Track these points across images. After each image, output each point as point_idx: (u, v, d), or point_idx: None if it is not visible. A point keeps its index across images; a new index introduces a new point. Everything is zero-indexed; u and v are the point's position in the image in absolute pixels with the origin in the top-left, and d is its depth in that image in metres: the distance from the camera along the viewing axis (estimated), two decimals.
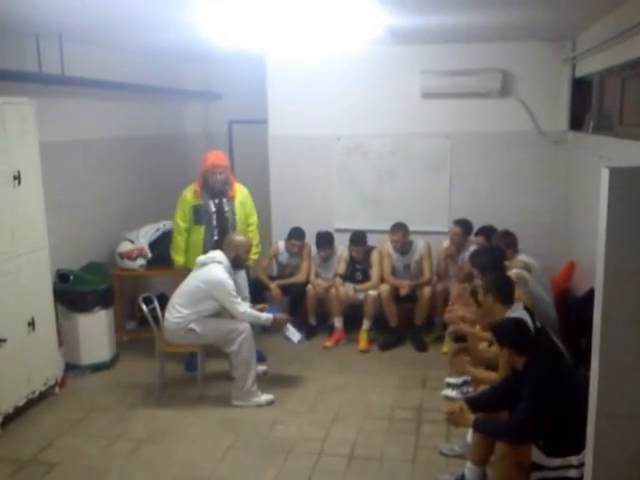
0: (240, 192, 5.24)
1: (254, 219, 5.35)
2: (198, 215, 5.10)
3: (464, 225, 5.60)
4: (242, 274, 5.07)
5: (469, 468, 3.42)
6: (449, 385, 4.71)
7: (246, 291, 5.14)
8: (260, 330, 4.97)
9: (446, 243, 5.70)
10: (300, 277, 5.93)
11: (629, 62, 3.98)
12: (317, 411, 4.47)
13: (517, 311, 3.62)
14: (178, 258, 5.22)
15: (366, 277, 5.81)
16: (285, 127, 6.20)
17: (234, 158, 7.64)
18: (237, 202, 5.19)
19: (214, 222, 5.10)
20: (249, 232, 5.19)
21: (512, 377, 3.28)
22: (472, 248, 5.28)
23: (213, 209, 5.12)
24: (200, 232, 5.11)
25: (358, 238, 5.79)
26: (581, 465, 2.91)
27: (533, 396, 3.02)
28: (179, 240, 5.21)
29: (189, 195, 5.13)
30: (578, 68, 5.52)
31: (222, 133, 7.64)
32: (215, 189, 5.11)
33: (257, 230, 5.37)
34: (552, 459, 3.00)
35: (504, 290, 3.73)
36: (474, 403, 3.34)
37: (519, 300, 3.87)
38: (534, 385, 3.03)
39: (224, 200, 5.14)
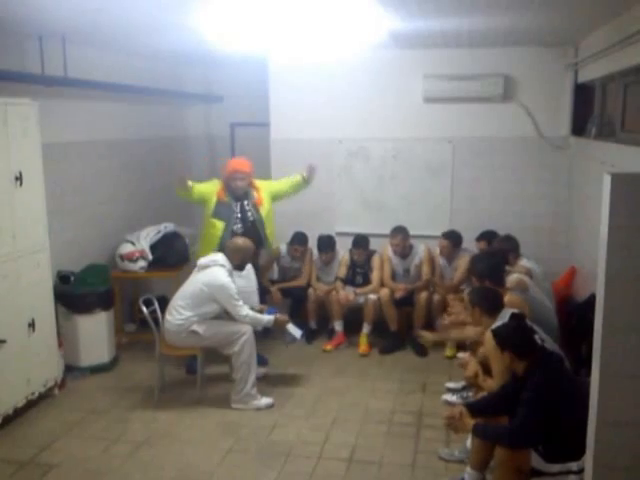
0: (262, 196, 5.28)
1: (287, 178, 5.50)
2: (220, 209, 5.10)
3: (452, 238, 5.61)
4: (251, 275, 5.09)
5: (469, 473, 3.41)
6: (449, 390, 4.71)
7: (254, 294, 5.14)
8: (262, 334, 4.96)
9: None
10: (301, 281, 5.93)
11: (631, 68, 3.99)
12: (316, 415, 4.46)
13: (505, 318, 3.63)
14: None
15: (367, 281, 5.81)
16: (287, 130, 6.21)
17: None
18: (263, 210, 5.25)
19: (237, 222, 5.12)
20: (292, 180, 5.45)
21: (512, 382, 3.27)
22: (464, 257, 5.41)
23: (237, 210, 5.15)
24: (219, 228, 5.09)
25: (361, 241, 5.79)
26: (581, 471, 2.90)
27: (533, 401, 3.01)
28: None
29: (213, 187, 5.16)
30: (580, 74, 5.53)
31: (224, 136, 7.65)
32: (237, 194, 5.16)
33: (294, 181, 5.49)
34: (552, 465, 3.01)
35: (488, 303, 3.76)
36: (474, 408, 3.33)
37: (514, 304, 3.88)
38: (534, 390, 3.03)
39: (245, 201, 5.19)
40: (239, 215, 5.15)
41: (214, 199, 5.13)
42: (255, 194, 5.26)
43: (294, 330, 4.90)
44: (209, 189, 5.17)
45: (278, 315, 4.77)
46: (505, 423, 3.23)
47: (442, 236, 5.67)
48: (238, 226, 5.12)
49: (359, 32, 4.78)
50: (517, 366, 3.19)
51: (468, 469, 3.43)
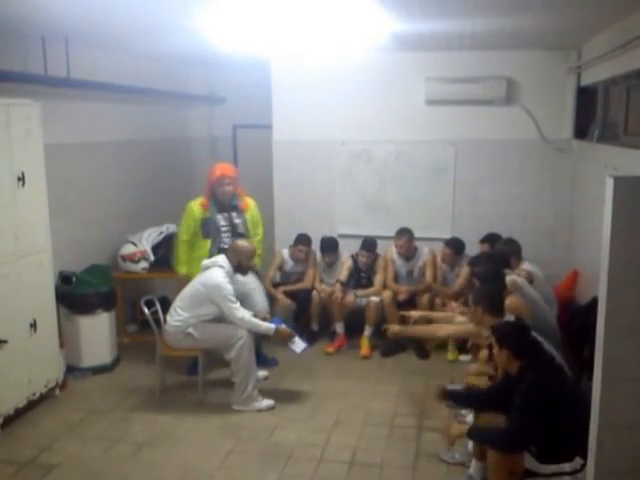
0: (250, 205, 5.23)
1: (260, 230, 5.33)
2: (206, 228, 5.01)
3: (454, 245, 5.61)
4: (256, 283, 5.07)
5: (473, 466, 3.45)
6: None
7: (261, 299, 5.09)
8: (261, 337, 4.93)
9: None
10: (305, 283, 5.91)
11: (634, 71, 3.98)
12: (318, 417, 4.46)
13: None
14: (181, 269, 5.21)
15: (370, 284, 5.80)
16: (289, 132, 6.21)
17: (238, 163, 7.65)
18: (248, 216, 5.19)
19: (224, 236, 5.02)
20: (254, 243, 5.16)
21: (503, 381, 3.32)
22: (466, 265, 5.37)
23: (222, 223, 5.05)
24: (206, 247, 5.02)
25: (371, 244, 5.78)
26: (574, 472, 2.93)
27: (525, 405, 3.03)
28: (181, 252, 5.18)
29: (196, 208, 5.05)
30: (583, 77, 5.52)
31: (226, 137, 7.65)
32: (224, 202, 5.06)
33: (262, 243, 5.34)
34: (545, 466, 3.03)
35: (492, 302, 3.76)
36: (451, 394, 3.51)
37: (515, 306, 3.88)
38: (526, 394, 3.05)
39: (233, 214, 5.10)
40: (226, 229, 5.04)
41: (199, 220, 5.01)
42: (241, 199, 5.19)
43: (296, 345, 4.75)
44: (192, 217, 5.03)
45: (282, 327, 4.65)
46: (500, 424, 3.25)
47: (444, 244, 5.67)
48: (225, 240, 4.99)
49: (361, 34, 4.78)
50: (512, 365, 3.21)
51: (473, 461, 3.47)
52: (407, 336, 4.71)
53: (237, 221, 5.12)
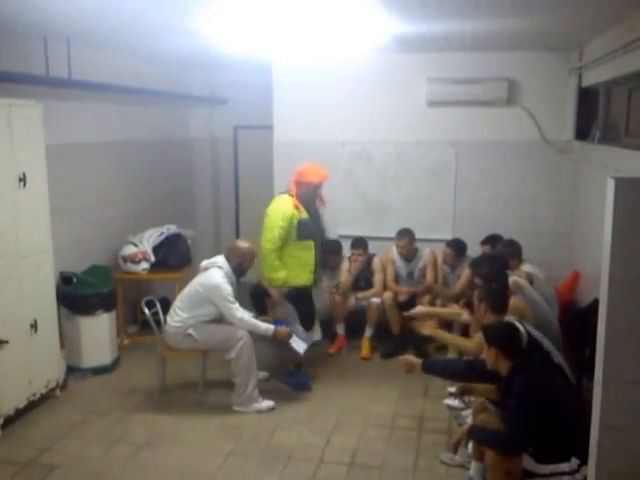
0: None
1: None
2: (306, 229, 4.86)
3: (456, 246, 5.61)
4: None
5: (474, 467, 3.45)
6: (451, 394, 4.69)
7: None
8: (262, 339, 4.91)
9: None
10: None
11: (635, 72, 3.98)
12: (318, 418, 4.45)
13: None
14: (279, 275, 4.82)
15: (369, 285, 5.80)
16: (290, 133, 6.20)
17: (239, 164, 7.66)
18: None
19: (316, 234, 4.96)
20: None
21: (480, 365, 3.45)
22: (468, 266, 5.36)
23: (310, 221, 4.93)
24: (309, 248, 4.89)
25: (361, 242, 5.79)
26: (573, 472, 2.93)
27: (520, 408, 3.04)
28: (274, 258, 4.78)
29: (291, 209, 4.83)
30: (584, 78, 5.52)
31: (227, 138, 7.66)
32: (307, 204, 4.94)
33: None
34: (543, 466, 3.03)
35: (496, 300, 3.77)
36: (428, 364, 3.80)
37: (517, 308, 3.88)
38: (519, 396, 3.06)
39: (312, 210, 5.01)
40: (313, 227, 4.96)
41: (295, 221, 4.86)
42: (324, 205, 5.18)
43: (297, 344, 4.76)
44: (289, 218, 4.80)
45: (279, 327, 4.63)
46: (491, 420, 3.26)
47: (446, 245, 5.67)
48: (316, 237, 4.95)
49: (363, 35, 4.78)
50: (501, 364, 3.22)
51: (473, 463, 3.46)
52: (438, 338, 4.55)
53: (316, 218, 5.07)
